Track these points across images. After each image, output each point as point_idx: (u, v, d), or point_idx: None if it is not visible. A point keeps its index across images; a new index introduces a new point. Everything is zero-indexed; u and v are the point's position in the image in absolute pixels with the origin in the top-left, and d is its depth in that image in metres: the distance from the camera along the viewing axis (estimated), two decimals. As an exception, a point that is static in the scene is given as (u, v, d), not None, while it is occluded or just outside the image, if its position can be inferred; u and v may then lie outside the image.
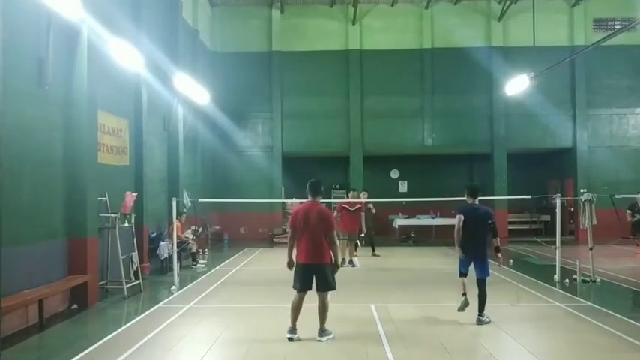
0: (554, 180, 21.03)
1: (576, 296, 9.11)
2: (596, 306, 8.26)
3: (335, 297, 6.67)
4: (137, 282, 10.01)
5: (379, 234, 16.67)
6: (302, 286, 6.50)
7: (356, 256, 12.92)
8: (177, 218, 11.13)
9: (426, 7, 20.05)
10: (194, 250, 13.03)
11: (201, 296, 9.34)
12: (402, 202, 18.00)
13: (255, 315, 8.00)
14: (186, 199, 13.01)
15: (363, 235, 13.79)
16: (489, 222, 7.33)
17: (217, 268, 12.82)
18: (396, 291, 9.68)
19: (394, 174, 22.72)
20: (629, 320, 7.34)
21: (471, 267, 7.44)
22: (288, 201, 19.26)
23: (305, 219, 6.50)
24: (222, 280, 11.10)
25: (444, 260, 13.27)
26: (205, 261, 13.50)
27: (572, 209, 18.62)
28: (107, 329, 7.13)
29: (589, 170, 19.66)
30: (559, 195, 11.16)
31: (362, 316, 7.70)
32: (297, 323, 6.51)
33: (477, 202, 7.52)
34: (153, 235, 12.42)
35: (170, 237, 11.72)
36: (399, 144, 20.10)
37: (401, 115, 20.01)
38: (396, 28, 20.31)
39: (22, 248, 7.18)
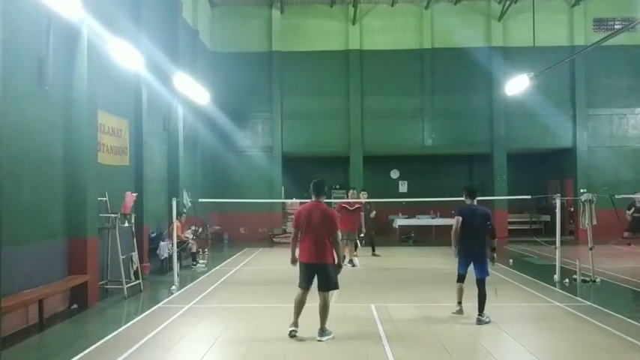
0: (554, 180, 21.03)
1: (576, 296, 9.11)
2: (596, 306, 8.26)
3: (335, 297, 6.67)
4: (137, 282, 10.01)
5: (379, 234, 16.67)
6: (304, 283, 6.59)
7: (356, 256, 12.91)
8: (177, 218, 11.12)
9: (426, 7, 20.05)
10: (194, 250, 13.03)
11: (201, 296, 9.34)
12: (402, 202, 18.01)
13: (255, 315, 7.99)
14: (186, 199, 13.01)
15: (362, 235, 13.79)
16: (488, 223, 7.36)
17: (217, 268, 12.82)
18: (396, 291, 9.68)
19: (394, 174, 22.73)
20: (629, 320, 7.35)
21: (470, 267, 7.47)
22: (288, 201, 19.29)
23: (308, 219, 6.53)
24: (222, 280, 11.10)
25: (444, 260, 13.26)
26: (205, 261, 13.50)
27: (572, 209, 18.63)
28: (107, 329, 7.13)
29: (589, 170, 19.66)
30: (559, 195, 11.16)
31: (362, 316, 7.70)
32: (298, 322, 6.54)
33: (475, 203, 7.54)
34: (153, 235, 12.42)
35: (170, 237, 11.72)
36: (399, 144, 20.10)
37: (401, 115, 20.01)
38: (396, 28, 20.31)
39: (22, 248, 7.18)
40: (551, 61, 13.75)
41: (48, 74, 7.88)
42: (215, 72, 19.42)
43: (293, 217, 6.93)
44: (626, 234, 14.56)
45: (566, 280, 10.17)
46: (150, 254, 12.01)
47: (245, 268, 12.99)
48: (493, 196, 18.76)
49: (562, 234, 11.45)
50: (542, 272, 11.38)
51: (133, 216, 10.05)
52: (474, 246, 7.35)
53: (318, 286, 6.54)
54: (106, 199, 9.73)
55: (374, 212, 14.52)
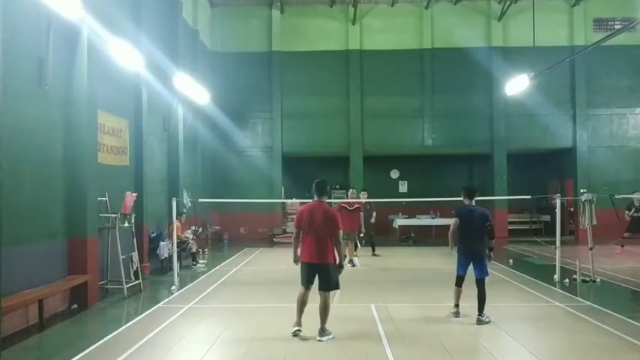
0: (554, 180, 21.03)
1: (576, 296, 9.11)
2: (596, 306, 8.26)
3: (337, 297, 6.68)
4: (137, 282, 10.01)
5: (379, 234, 16.66)
6: (305, 283, 6.61)
7: (356, 256, 12.91)
8: (177, 218, 11.12)
9: (426, 7, 20.05)
10: (194, 250, 13.03)
11: (201, 296, 9.34)
12: (402, 202, 18.01)
13: (255, 315, 7.99)
14: (186, 199, 13.01)
15: (362, 235, 13.78)
16: (487, 224, 7.37)
17: (217, 268, 12.81)
18: (396, 291, 9.68)
19: (394, 174, 22.73)
20: (629, 320, 7.35)
21: (470, 268, 7.48)
22: (288, 201, 19.29)
23: (310, 219, 6.55)
24: (222, 280, 11.10)
25: (444, 260, 13.23)
26: (205, 261, 13.50)
27: (572, 209, 18.63)
28: (107, 329, 7.13)
29: (589, 170, 19.66)
30: (559, 195, 11.15)
31: (362, 316, 7.70)
32: (302, 321, 6.58)
33: (473, 203, 7.55)
34: (153, 235, 12.42)
35: (170, 237, 11.72)
36: (399, 144, 20.10)
37: (401, 115, 20.01)
38: (396, 28, 20.31)
39: (22, 248, 7.18)
40: (551, 61, 13.76)
41: (48, 74, 7.88)
42: (215, 72, 19.42)
43: (295, 216, 6.93)
44: (626, 234, 14.56)
45: (566, 280, 10.17)
46: (150, 254, 12.01)
47: (245, 268, 12.98)
48: (493, 196, 18.77)
49: (562, 234, 11.45)
50: (542, 272, 11.38)
51: (133, 216, 10.05)
52: (474, 246, 7.36)
53: (319, 286, 6.56)
54: (106, 199, 9.73)
55: (374, 217, 14.45)
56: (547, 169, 21.62)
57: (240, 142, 20.23)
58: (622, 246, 14.46)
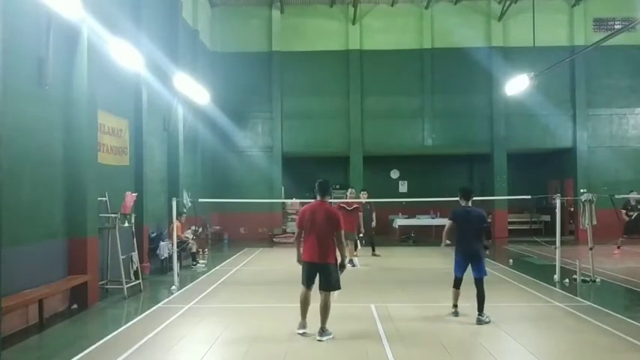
0: (554, 180, 21.03)
1: (576, 296, 9.11)
2: (596, 306, 8.26)
3: (335, 297, 6.68)
4: (137, 282, 10.00)
5: (379, 234, 16.66)
6: (306, 282, 6.63)
7: (356, 255, 12.90)
8: (177, 218, 11.12)
9: (426, 7, 20.06)
10: (194, 250, 13.03)
11: (201, 296, 9.34)
12: (402, 202, 18.02)
13: (255, 315, 7.99)
14: (186, 199, 13.00)
15: (362, 234, 13.76)
16: (484, 225, 7.40)
17: (217, 268, 12.81)
18: (396, 291, 9.68)
19: (394, 174, 22.74)
20: (629, 320, 7.35)
21: (469, 269, 7.49)
22: (288, 201, 19.29)
23: (312, 218, 6.57)
24: (222, 280, 11.10)
25: (444, 260, 13.24)
26: (205, 261, 13.50)
27: (572, 209, 18.63)
28: (107, 329, 7.14)
29: (589, 170, 19.66)
30: (559, 195, 11.14)
31: (362, 316, 7.71)
32: (306, 322, 6.62)
33: (470, 204, 7.57)
34: (153, 235, 12.42)
35: (170, 237, 11.72)
36: (399, 144, 20.11)
37: (401, 115, 20.02)
38: (396, 28, 20.31)
39: (22, 248, 7.18)
40: (551, 61, 13.76)
41: (48, 74, 7.88)
42: (215, 72, 19.42)
43: (297, 216, 6.95)
44: (626, 235, 14.57)
45: (566, 280, 10.17)
46: (150, 254, 12.01)
47: (245, 268, 12.98)
48: (493, 196, 18.79)
49: (562, 234, 11.45)
50: (542, 272, 11.38)
51: (133, 216, 10.04)
52: (471, 247, 7.38)
53: (320, 286, 6.57)
54: (106, 199, 9.73)
55: (374, 221, 14.43)
56: (547, 169, 21.63)
57: (240, 142, 20.23)
58: (618, 247, 14.47)
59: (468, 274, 7.46)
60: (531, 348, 6.14)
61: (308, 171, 20.67)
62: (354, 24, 20.17)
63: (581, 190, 17.27)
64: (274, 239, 19.13)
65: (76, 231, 8.53)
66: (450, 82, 19.86)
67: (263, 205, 18.89)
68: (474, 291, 7.26)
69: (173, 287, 9.84)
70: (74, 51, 8.65)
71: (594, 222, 10.50)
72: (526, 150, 20.59)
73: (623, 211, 14.31)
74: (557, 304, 8.53)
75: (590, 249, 10.54)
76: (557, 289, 9.70)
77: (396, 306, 8.35)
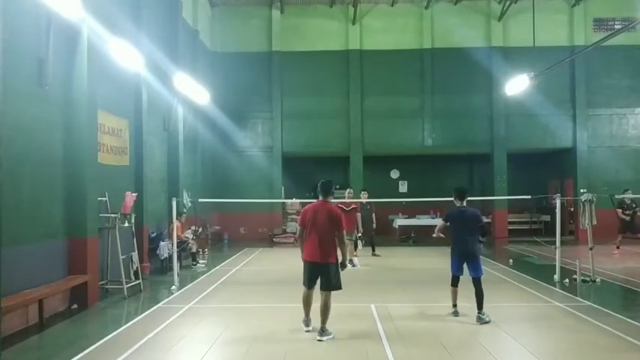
0: (554, 180, 21.03)
1: (576, 296, 9.11)
2: (596, 306, 8.26)
3: (335, 297, 6.68)
4: (137, 282, 10.01)
5: (379, 234, 16.66)
6: (307, 282, 6.66)
7: (356, 255, 12.91)
8: (177, 218, 11.12)
9: (426, 7, 20.06)
10: (194, 250, 13.02)
11: (201, 296, 9.34)
12: (402, 202, 18.02)
13: (255, 315, 7.99)
14: (186, 199, 13.01)
15: (360, 234, 13.73)
16: (479, 224, 7.42)
17: (217, 268, 12.81)
18: (396, 291, 9.68)
19: (394, 174, 22.75)
20: (629, 320, 7.34)
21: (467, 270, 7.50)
22: (288, 201, 19.29)
23: (314, 218, 6.60)
24: (222, 280, 11.10)
25: (444, 260, 13.16)
26: (205, 261, 13.50)
27: (572, 209, 18.63)
28: (107, 329, 7.14)
29: (589, 170, 19.66)
30: (559, 195, 11.14)
31: (362, 316, 7.71)
32: (300, 320, 6.64)
33: (464, 204, 7.58)
34: (153, 235, 12.42)
35: (170, 237, 11.72)
36: (399, 144, 20.10)
37: (401, 115, 20.01)
38: (396, 28, 20.31)
39: (22, 248, 7.18)
40: (551, 61, 13.76)
41: (48, 74, 7.89)
42: (215, 72, 19.42)
43: (299, 215, 6.97)
44: (621, 234, 14.59)
45: (566, 280, 10.17)
46: (150, 254, 12.01)
47: (245, 268, 12.98)
48: (493, 196, 18.79)
49: (562, 234, 11.44)
50: (542, 272, 11.37)
51: (133, 216, 10.04)
52: (466, 247, 7.42)
53: (320, 286, 6.58)
54: (106, 199, 9.73)
55: (374, 221, 14.41)
56: (547, 169, 21.63)
57: (240, 142, 20.23)
58: (618, 247, 14.47)
59: (467, 275, 7.47)
60: (531, 348, 6.14)
61: (308, 171, 20.72)
62: (354, 24, 20.16)
63: (581, 190, 17.26)
64: (274, 239, 19.13)
65: (76, 231, 8.53)
66: (450, 82, 19.86)
67: (263, 205, 18.89)
68: (473, 291, 7.28)
69: (173, 287, 9.84)
70: (74, 51, 8.65)
71: (594, 222, 10.50)
72: (526, 150, 20.59)
73: (619, 211, 14.32)
74: (557, 304, 8.53)
75: (590, 249, 10.54)
76: (557, 289, 9.69)
77: (396, 306, 8.35)
